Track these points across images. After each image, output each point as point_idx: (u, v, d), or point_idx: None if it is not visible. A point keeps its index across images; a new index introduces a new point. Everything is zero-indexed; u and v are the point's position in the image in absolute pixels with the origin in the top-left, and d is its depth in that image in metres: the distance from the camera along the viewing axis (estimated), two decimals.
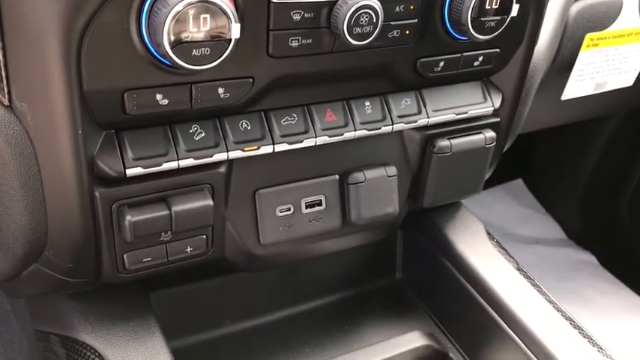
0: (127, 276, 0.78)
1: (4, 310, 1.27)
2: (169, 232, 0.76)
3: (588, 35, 1.09)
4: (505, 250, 1.03)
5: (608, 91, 1.24)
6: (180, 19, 0.60)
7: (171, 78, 0.66)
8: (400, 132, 0.89)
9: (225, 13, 0.61)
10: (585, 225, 2.08)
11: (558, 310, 0.92)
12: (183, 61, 0.62)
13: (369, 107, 0.83)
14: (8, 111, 0.67)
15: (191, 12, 0.60)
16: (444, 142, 0.90)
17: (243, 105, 0.74)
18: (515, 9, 0.79)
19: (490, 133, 0.93)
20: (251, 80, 0.71)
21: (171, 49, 0.61)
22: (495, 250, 1.01)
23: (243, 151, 0.76)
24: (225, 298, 0.99)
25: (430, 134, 0.90)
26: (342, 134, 0.82)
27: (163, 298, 0.93)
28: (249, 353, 0.96)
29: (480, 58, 0.86)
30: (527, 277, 0.97)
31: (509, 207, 2.13)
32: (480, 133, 0.93)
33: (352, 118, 0.82)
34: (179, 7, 0.59)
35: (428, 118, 0.87)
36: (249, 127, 0.76)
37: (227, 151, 0.74)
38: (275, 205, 0.84)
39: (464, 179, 0.97)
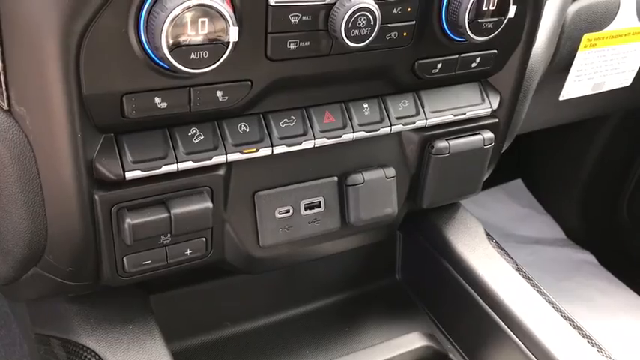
0: (127, 279, 0.78)
1: (5, 313, 1.27)
2: (169, 235, 0.76)
3: (586, 36, 1.10)
4: (504, 250, 1.03)
5: (606, 91, 1.25)
6: (178, 23, 0.60)
7: (169, 81, 0.66)
8: (398, 133, 0.89)
9: (223, 16, 0.62)
10: (584, 225, 2.08)
11: (557, 310, 0.92)
12: (181, 65, 0.62)
13: (367, 109, 0.84)
14: (7, 115, 0.67)
15: (189, 15, 0.60)
16: (442, 144, 0.90)
17: (241, 108, 0.75)
18: (512, 10, 0.79)
19: (488, 134, 0.94)
20: (249, 83, 0.72)
21: (170, 52, 0.61)
22: (494, 251, 1.01)
23: (242, 153, 0.76)
24: (225, 300, 0.99)
25: (428, 135, 0.90)
26: (340, 136, 0.82)
27: (163, 301, 0.93)
28: (250, 355, 0.97)
29: (478, 60, 0.86)
30: (527, 278, 0.98)
31: (508, 207, 2.13)
32: (478, 134, 0.93)
33: (350, 120, 0.82)
34: (177, 11, 0.59)
35: (426, 119, 0.87)
36: (247, 130, 0.76)
37: (226, 154, 0.75)
38: (274, 206, 0.84)
39: (462, 180, 0.97)
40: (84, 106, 0.64)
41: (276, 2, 0.67)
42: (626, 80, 1.24)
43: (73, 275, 0.77)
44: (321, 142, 0.81)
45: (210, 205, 0.76)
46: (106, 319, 0.84)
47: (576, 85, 1.18)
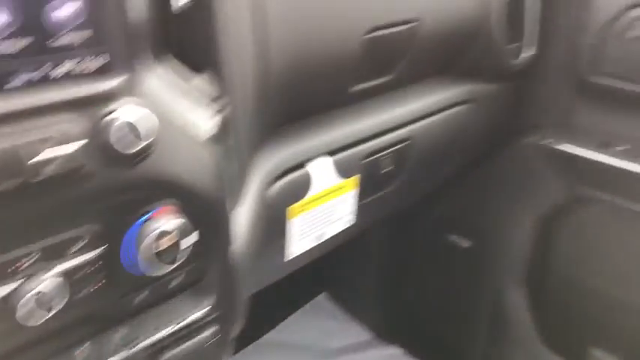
0: None
1: None
2: None
3: (290, 208, 1.28)
4: None
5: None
6: None
7: None
8: None
9: None
10: (389, 320, 2.25)
11: None
12: None
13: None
14: None
15: None
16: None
17: None
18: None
19: (211, 330, 1.03)
20: None
21: None
22: None
23: None
24: None
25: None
26: None
27: None
28: None
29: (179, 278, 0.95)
30: None
31: (317, 326, 2.27)
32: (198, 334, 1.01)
33: None
34: None
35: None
36: None
37: None
38: None
39: None
40: None
41: None
42: (346, 224, 1.45)
43: None
44: None
45: None
46: None
47: (302, 243, 1.36)
